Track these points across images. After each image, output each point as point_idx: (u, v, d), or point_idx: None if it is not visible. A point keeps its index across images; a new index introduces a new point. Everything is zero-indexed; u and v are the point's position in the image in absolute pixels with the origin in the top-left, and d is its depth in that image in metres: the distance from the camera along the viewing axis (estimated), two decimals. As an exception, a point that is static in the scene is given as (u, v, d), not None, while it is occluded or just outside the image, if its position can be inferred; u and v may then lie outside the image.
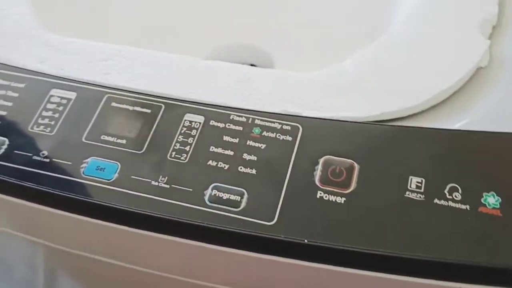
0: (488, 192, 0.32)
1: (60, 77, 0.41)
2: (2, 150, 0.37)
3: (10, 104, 0.40)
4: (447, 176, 0.33)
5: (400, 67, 0.40)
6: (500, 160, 0.34)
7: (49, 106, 0.39)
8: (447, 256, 0.30)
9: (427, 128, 0.36)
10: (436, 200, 0.32)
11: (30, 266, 0.61)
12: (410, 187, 0.33)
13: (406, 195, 0.33)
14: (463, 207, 0.32)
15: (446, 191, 0.33)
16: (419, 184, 0.33)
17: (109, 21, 0.61)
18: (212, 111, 0.38)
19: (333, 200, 0.33)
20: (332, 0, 0.65)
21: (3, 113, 0.39)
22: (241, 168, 0.35)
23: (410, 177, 0.33)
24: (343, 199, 0.33)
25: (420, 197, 0.33)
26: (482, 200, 0.32)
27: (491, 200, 0.32)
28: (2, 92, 0.40)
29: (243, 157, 0.35)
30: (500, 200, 0.32)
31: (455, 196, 0.32)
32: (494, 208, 0.32)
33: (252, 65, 0.66)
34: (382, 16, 0.56)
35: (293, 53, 0.63)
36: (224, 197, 0.34)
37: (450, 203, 0.32)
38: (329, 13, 0.65)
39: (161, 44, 0.50)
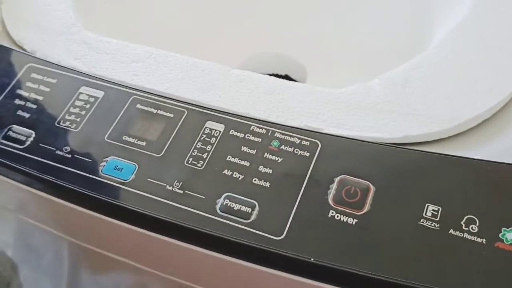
0: (507, 227, 0.31)
1: (91, 75, 0.42)
2: (28, 143, 0.38)
3: (41, 98, 0.41)
4: (466, 207, 0.32)
5: (429, 90, 0.39)
6: (523, 195, 0.32)
7: (77, 103, 0.40)
8: (455, 290, 0.29)
9: (450, 156, 0.35)
10: (451, 231, 0.31)
11: (56, 255, 0.63)
12: (426, 214, 0.32)
13: (420, 223, 0.32)
14: (479, 240, 0.31)
15: (462, 222, 0.32)
16: (435, 213, 0.32)
17: (148, 24, 0.62)
18: (233, 121, 0.38)
19: (345, 220, 0.32)
20: (373, 17, 0.64)
21: (33, 106, 0.40)
22: (255, 180, 0.35)
23: (427, 204, 0.32)
24: (355, 220, 0.32)
25: (435, 226, 0.32)
26: (500, 235, 0.31)
27: (510, 236, 0.31)
28: (35, 86, 0.42)
29: (259, 169, 0.35)
30: (519, 237, 0.31)
31: (472, 229, 0.31)
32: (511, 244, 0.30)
33: (286, 75, 0.67)
34: (423, 36, 0.55)
35: (328, 67, 0.63)
36: (235, 208, 0.34)
37: (466, 235, 0.31)
38: (369, 30, 0.64)
39: (199, 50, 0.51)
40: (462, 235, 0.31)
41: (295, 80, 0.58)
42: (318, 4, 0.67)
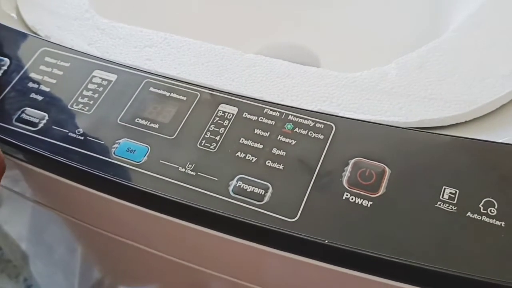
0: (527, 210, 0.30)
1: (104, 59, 0.42)
2: (41, 125, 0.38)
3: (54, 81, 0.41)
4: (484, 190, 0.31)
5: (445, 74, 0.39)
6: (542, 177, 0.32)
7: (90, 86, 0.40)
8: (473, 272, 0.28)
9: (466, 138, 0.34)
10: (469, 214, 0.31)
11: (68, 248, 0.63)
12: (443, 197, 0.31)
13: (437, 205, 0.31)
14: (498, 223, 0.30)
15: (480, 205, 0.31)
16: (452, 196, 0.31)
17: (161, 13, 0.62)
18: (246, 103, 0.37)
19: (359, 203, 0.32)
20: (389, 4, 0.63)
21: (47, 89, 0.40)
22: (268, 162, 0.34)
23: (444, 187, 0.32)
24: (370, 203, 0.32)
25: (452, 208, 0.31)
26: (519, 218, 0.30)
27: (529, 219, 0.30)
28: (49, 69, 0.42)
29: (272, 151, 0.35)
30: (539, 220, 0.30)
31: (490, 211, 0.31)
32: (531, 227, 0.30)
33: (299, 66, 0.66)
34: (441, 22, 0.54)
35: (342, 57, 0.62)
36: (248, 189, 0.33)
37: (484, 218, 0.30)
38: (385, 18, 0.63)
39: (214, 38, 0.50)
40: (480, 218, 0.30)
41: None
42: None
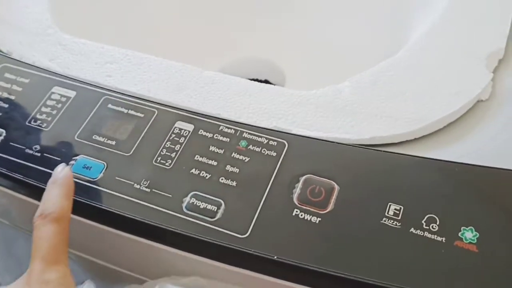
0: (466, 226, 0.32)
1: (64, 76, 0.42)
2: (-2, 141, 0.39)
3: (13, 97, 0.41)
4: (427, 206, 0.33)
5: (397, 93, 0.40)
6: (482, 195, 0.33)
7: (49, 102, 0.40)
8: (413, 287, 0.30)
9: (413, 156, 0.35)
10: (412, 229, 0.32)
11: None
12: (388, 213, 0.33)
13: (382, 221, 0.32)
14: (439, 239, 0.31)
15: (423, 221, 0.32)
16: (397, 212, 0.33)
17: (126, 28, 0.62)
18: (202, 121, 0.38)
19: (308, 219, 0.33)
20: (353, 25, 0.65)
21: (5, 105, 0.41)
22: (222, 179, 0.35)
23: (389, 203, 0.33)
24: (319, 219, 0.33)
25: (397, 224, 0.32)
26: (459, 234, 0.31)
27: (469, 234, 0.31)
28: (8, 85, 0.42)
29: (226, 168, 0.36)
30: (477, 235, 0.31)
31: (432, 227, 0.32)
32: (470, 243, 0.31)
33: (266, 80, 0.67)
34: (402, 40, 0.56)
35: (307, 72, 0.63)
36: (201, 206, 0.34)
37: (426, 234, 0.32)
38: (349, 37, 0.65)
39: (179, 55, 0.51)
40: (422, 234, 0.32)
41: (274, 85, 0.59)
42: (300, 11, 0.68)
